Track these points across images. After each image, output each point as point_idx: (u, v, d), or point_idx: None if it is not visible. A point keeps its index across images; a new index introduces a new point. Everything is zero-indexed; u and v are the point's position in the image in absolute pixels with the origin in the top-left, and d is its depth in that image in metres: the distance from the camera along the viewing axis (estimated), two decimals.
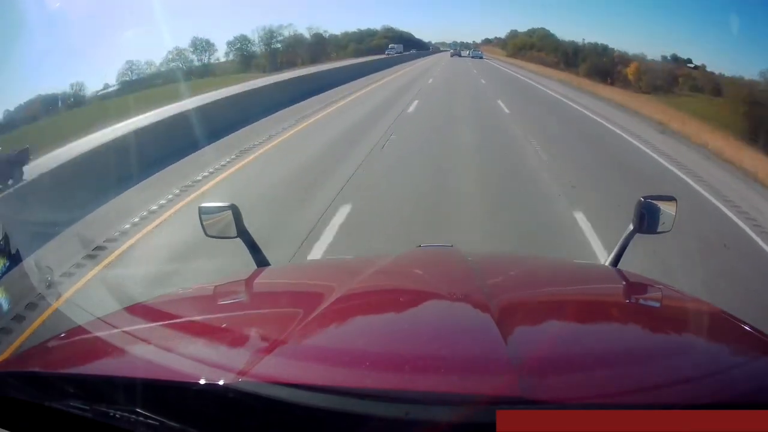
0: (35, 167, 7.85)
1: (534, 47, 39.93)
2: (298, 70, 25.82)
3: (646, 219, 1.51)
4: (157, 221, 5.96)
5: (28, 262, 4.08)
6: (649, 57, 26.05)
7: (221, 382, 0.67)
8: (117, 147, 8.09)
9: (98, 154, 7.80)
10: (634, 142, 11.70)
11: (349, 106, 15.21)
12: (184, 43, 29.90)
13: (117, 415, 0.69)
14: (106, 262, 4.87)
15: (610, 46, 29.51)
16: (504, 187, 7.33)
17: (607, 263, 1.52)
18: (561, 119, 14.33)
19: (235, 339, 0.87)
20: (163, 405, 0.70)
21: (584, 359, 0.81)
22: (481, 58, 44.47)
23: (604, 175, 8.31)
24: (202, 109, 11.13)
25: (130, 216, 6.01)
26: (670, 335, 0.95)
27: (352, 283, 1.17)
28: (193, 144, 9.20)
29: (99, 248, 5.14)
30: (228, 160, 8.66)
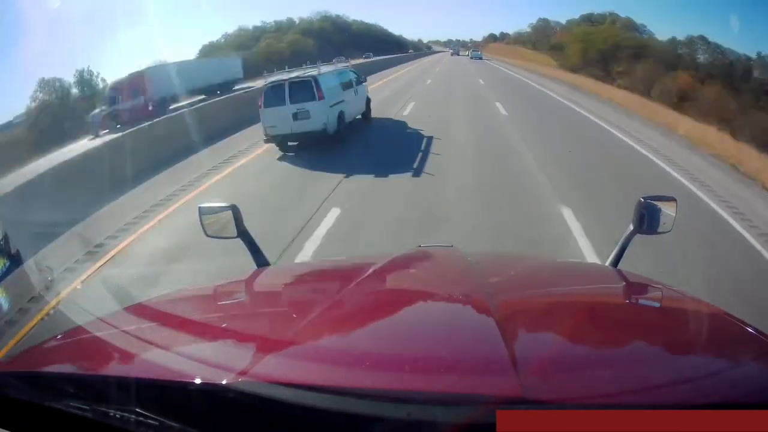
0: None
1: (642, 52, 16.33)
2: None
3: (646, 219, 1.51)
4: None
5: (28, 262, 4.08)
6: None
7: (221, 382, 0.67)
8: None
9: None
10: None
11: None
12: None
13: (117, 415, 0.69)
14: None
15: None
16: None
17: (607, 263, 1.52)
18: None
19: (235, 339, 0.87)
20: (163, 405, 0.70)
21: (584, 359, 0.81)
22: (480, 59, 40.83)
23: None
24: None
25: None
26: (670, 335, 0.95)
27: (352, 283, 1.17)
28: None
29: None
30: None
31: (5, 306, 2.95)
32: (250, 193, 7.07)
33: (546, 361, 0.75)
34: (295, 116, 8.87)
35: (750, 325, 0.93)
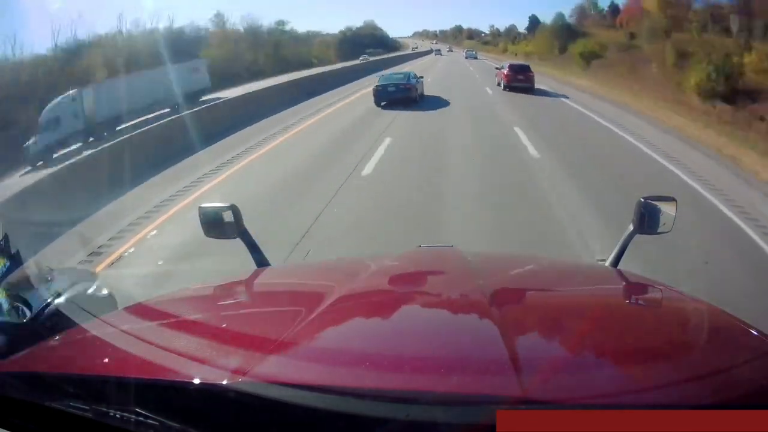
0: None
1: None
2: None
3: (646, 219, 1.51)
4: None
5: (28, 263, 4.07)
6: None
7: (221, 382, 0.67)
8: None
9: None
10: None
11: None
12: None
13: (117, 415, 0.69)
14: None
15: None
16: None
17: (607, 263, 1.52)
18: None
19: (235, 339, 0.87)
20: (163, 405, 0.70)
21: (584, 359, 0.81)
22: (475, 58, 40.25)
23: None
24: None
25: None
26: (670, 335, 0.95)
27: (352, 283, 1.17)
28: None
29: None
30: None
31: (5, 306, 2.95)
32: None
33: (546, 361, 0.75)
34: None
35: (750, 325, 0.93)
